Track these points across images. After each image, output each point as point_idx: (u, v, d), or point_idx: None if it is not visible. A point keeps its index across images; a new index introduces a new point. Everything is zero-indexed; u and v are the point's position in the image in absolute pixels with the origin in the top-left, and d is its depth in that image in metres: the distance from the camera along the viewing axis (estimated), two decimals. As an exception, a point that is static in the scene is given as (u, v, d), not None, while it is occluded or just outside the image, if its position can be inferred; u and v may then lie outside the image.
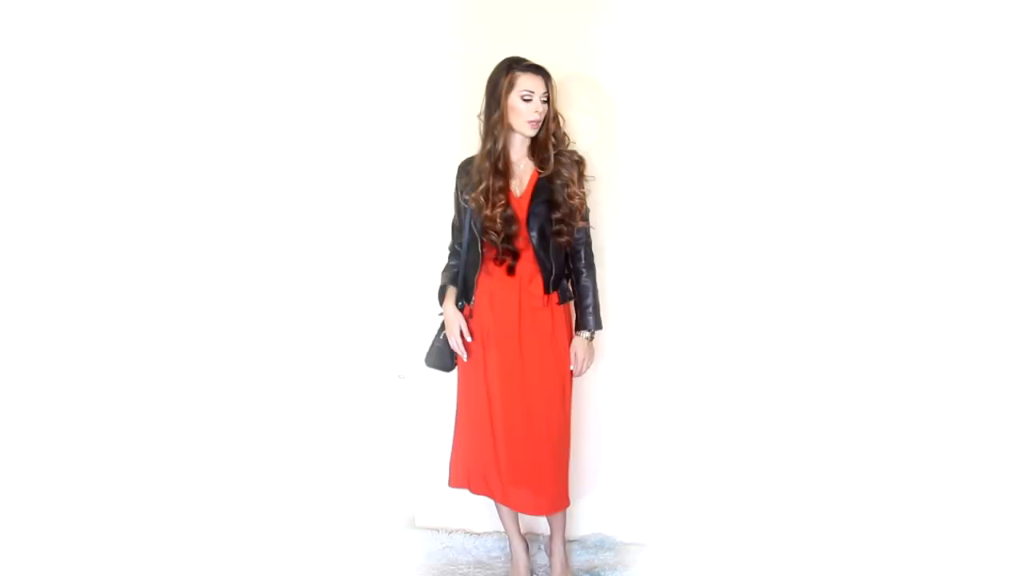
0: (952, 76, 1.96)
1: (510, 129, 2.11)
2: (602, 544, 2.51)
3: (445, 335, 2.22)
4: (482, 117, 2.14)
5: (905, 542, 1.96)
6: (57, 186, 2.00)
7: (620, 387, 2.51)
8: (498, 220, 2.10)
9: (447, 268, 2.27)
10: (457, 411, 2.29)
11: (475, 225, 2.14)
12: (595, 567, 2.40)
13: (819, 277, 2.12)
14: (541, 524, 2.44)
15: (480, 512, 2.51)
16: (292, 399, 2.30)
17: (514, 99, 2.08)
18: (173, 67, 2.13)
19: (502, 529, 2.38)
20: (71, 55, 2.00)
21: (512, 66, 2.08)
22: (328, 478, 2.35)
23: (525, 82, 2.07)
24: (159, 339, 2.11)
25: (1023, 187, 1.91)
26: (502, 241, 2.12)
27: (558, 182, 2.13)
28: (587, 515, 2.52)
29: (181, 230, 2.17)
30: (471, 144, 2.20)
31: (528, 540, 2.38)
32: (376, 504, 2.54)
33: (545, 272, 2.16)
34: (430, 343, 2.27)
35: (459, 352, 2.20)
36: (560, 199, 2.13)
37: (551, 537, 2.31)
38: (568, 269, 2.22)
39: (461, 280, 2.21)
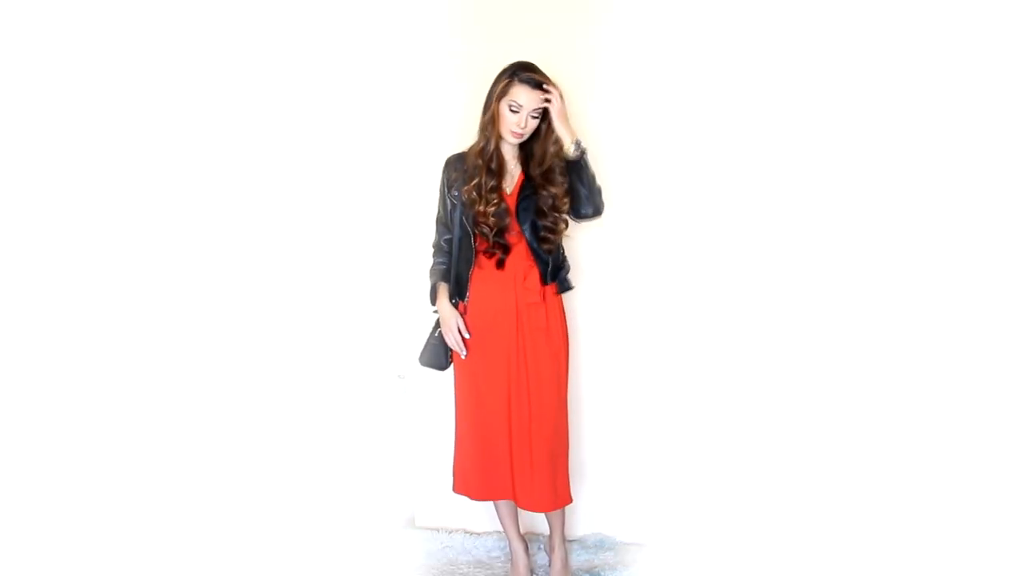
0: (950, 77, 1.96)
1: (498, 132, 2.11)
2: (602, 544, 2.51)
3: (440, 333, 2.22)
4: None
5: (903, 537, 1.96)
6: (51, 186, 1.99)
7: (619, 387, 2.51)
8: (491, 216, 2.11)
9: (435, 266, 2.24)
10: (457, 412, 2.27)
11: (466, 219, 2.15)
12: (595, 567, 2.40)
13: (817, 276, 2.12)
14: (541, 524, 2.44)
15: (480, 512, 2.51)
16: (292, 399, 2.30)
17: (503, 106, 2.07)
18: (182, 62, 2.12)
19: (502, 529, 2.38)
20: (69, 54, 2.00)
21: (515, 72, 2.06)
22: (328, 478, 2.35)
23: (517, 94, 2.05)
24: (157, 340, 2.11)
25: (1021, 187, 1.91)
26: (494, 235, 2.13)
27: (543, 193, 2.13)
28: (587, 515, 2.52)
29: (178, 229, 2.16)
30: (470, 145, 2.20)
31: (528, 540, 2.38)
32: (376, 504, 2.54)
33: (542, 264, 2.17)
34: (424, 342, 2.27)
35: (458, 349, 2.19)
36: (544, 207, 2.13)
37: (550, 536, 2.31)
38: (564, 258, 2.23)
39: (454, 277, 2.20)
